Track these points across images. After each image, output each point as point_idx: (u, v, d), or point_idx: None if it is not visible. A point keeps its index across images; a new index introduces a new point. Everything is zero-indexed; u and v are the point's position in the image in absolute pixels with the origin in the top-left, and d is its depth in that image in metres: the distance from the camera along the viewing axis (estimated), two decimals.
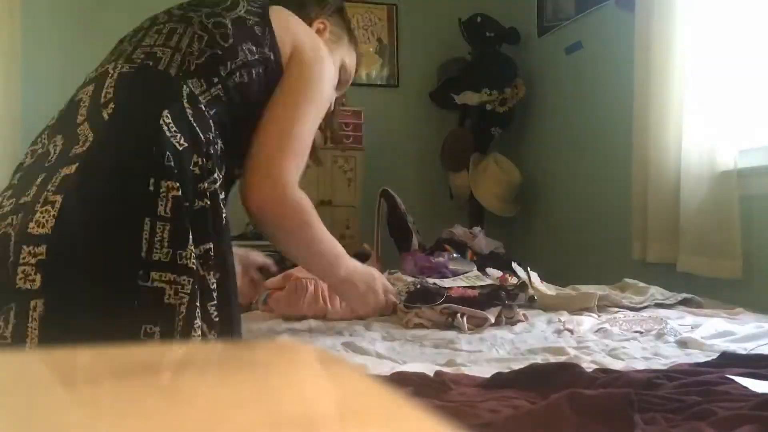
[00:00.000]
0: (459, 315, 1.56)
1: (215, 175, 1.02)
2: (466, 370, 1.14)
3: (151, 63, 1.08)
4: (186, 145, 0.98)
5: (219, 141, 1.06)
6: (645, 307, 1.87)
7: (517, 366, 1.19)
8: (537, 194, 3.66)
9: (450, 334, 1.49)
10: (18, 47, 3.33)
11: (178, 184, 0.95)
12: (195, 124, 1.01)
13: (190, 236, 0.95)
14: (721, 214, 2.21)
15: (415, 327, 1.56)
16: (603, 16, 3.09)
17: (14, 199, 0.97)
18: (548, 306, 1.82)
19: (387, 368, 1.14)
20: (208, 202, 1.00)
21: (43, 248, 0.89)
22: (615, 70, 2.94)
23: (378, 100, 3.91)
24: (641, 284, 2.09)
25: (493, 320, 1.58)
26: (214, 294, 0.97)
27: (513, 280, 1.84)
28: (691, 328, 1.57)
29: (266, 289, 1.72)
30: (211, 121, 1.05)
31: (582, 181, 3.26)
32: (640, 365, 1.20)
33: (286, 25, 1.20)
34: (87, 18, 3.53)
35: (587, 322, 1.62)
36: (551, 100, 3.60)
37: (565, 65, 3.43)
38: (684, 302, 1.95)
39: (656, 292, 1.99)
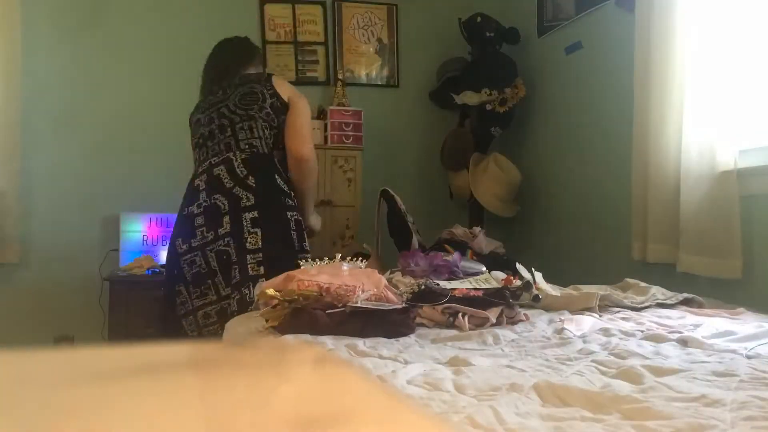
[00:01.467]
0: (460, 315, 1.56)
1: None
2: (469, 370, 1.14)
3: (256, 149, 2.27)
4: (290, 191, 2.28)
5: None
6: (646, 307, 1.87)
7: (519, 364, 1.19)
8: (537, 194, 3.66)
9: (452, 334, 1.49)
10: (18, 47, 3.33)
11: (296, 215, 2.26)
12: (280, 180, 2.29)
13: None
14: (721, 214, 2.21)
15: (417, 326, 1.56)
16: (603, 16, 3.09)
17: (212, 233, 2.18)
18: (550, 306, 1.82)
19: (389, 369, 1.14)
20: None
21: (260, 255, 2.14)
22: (615, 70, 2.94)
23: (378, 100, 3.91)
24: (643, 284, 2.09)
25: (494, 320, 1.58)
26: None
27: (518, 282, 1.83)
28: (693, 327, 1.57)
29: (267, 289, 1.72)
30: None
31: (582, 181, 3.26)
32: (637, 362, 1.20)
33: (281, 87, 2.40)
34: (87, 18, 3.53)
35: (588, 321, 1.62)
36: (551, 100, 3.60)
37: (565, 65, 3.43)
38: (685, 302, 1.95)
39: (657, 292, 1.98)
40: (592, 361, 1.24)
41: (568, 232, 3.37)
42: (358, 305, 1.51)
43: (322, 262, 1.93)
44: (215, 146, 2.28)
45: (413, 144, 3.97)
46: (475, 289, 1.75)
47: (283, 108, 2.34)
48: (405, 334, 1.49)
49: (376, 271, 1.88)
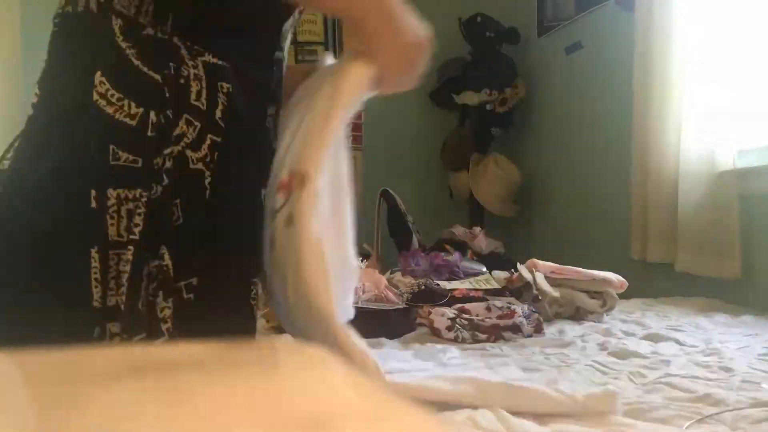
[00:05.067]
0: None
1: (216, 114, 0.72)
2: (469, 369, 1.14)
3: (70, 8, 0.73)
4: (140, 110, 0.68)
5: (202, 57, 0.72)
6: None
7: (519, 364, 1.19)
8: (537, 194, 3.66)
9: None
10: (18, 47, 3.33)
11: (133, 192, 0.66)
12: (144, 67, 0.69)
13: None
14: (720, 214, 2.21)
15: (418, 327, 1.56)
16: (603, 16, 3.09)
17: None
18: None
19: (390, 368, 1.14)
20: (167, 179, 0.68)
21: None
22: (615, 70, 2.94)
23: (378, 100, 3.89)
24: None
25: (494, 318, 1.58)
26: (166, 334, 0.67)
27: (519, 283, 1.84)
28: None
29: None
30: (174, 39, 0.71)
31: (582, 181, 3.26)
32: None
33: None
34: None
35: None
36: (551, 100, 3.60)
37: (565, 65, 3.43)
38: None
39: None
40: (593, 360, 1.24)
41: (568, 232, 3.37)
42: (359, 305, 1.51)
43: None
44: None
45: (413, 144, 3.97)
46: (476, 289, 1.76)
47: None
48: (405, 334, 1.49)
49: (376, 271, 1.88)
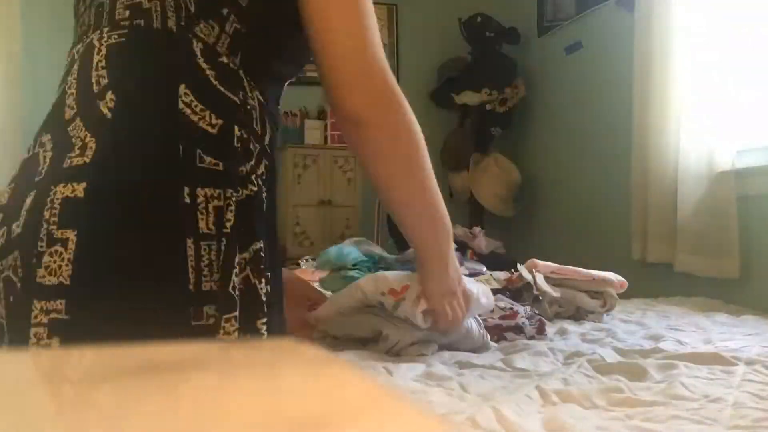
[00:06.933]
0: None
1: (265, 141, 0.83)
2: (470, 369, 1.14)
3: (142, 22, 0.80)
4: (220, 122, 0.77)
5: (255, 92, 0.83)
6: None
7: (519, 363, 1.19)
8: (537, 194, 3.66)
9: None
10: (18, 47, 3.33)
11: (218, 191, 0.74)
12: (223, 88, 0.78)
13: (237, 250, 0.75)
14: (718, 214, 2.22)
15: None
16: (603, 16, 3.10)
17: (5, 228, 0.75)
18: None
19: (391, 368, 1.14)
20: (255, 188, 0.79)
21: (59, 303, 0.68)
22: (615, 70, 2.95)
23: None
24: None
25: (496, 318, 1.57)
26: (265, 307, 0.77)
27: (519, 283, 1.83)
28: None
29: None
30: (240, 72, 0.81)
31: (582, 181, 3.27)
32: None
33: None
34: None
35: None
36: (551, 100, 3.60)
37: (565, 65, 3.43)
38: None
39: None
40: (591, 359, 1.24)
41: (568, 232, 3.37)
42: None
43: None
44: (84, 17, 0.89)
45: None
46: None
47: None
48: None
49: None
